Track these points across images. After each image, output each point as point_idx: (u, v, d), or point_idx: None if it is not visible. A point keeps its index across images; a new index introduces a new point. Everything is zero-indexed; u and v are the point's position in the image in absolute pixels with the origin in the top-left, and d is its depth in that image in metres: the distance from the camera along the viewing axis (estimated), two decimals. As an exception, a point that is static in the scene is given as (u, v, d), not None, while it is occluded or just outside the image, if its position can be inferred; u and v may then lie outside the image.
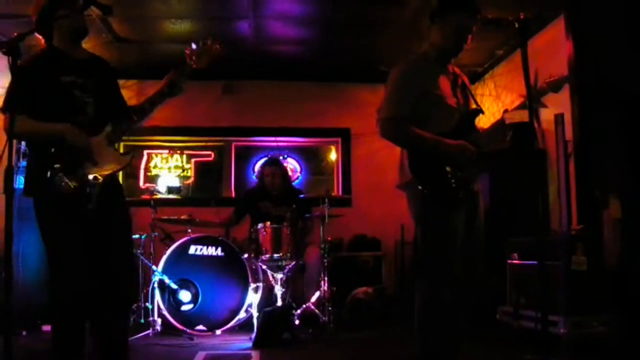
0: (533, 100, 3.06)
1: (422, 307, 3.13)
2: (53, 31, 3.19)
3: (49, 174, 3.01)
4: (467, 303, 3.24)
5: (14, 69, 2.62)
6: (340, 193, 7.64)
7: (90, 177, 3.09)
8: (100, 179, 3.13)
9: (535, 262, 4.51)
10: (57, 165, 3.01)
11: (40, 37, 3.24)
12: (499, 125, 3.35)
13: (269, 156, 7.00)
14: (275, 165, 6.22)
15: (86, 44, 6.36)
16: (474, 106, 3.31)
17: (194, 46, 3.35)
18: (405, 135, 3.11)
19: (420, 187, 3.08)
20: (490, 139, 3.29)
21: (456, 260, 3.11)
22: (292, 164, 7.84)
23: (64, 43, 3.21)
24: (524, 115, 2.94)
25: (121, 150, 3.35)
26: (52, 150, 3.03)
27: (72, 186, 3.01)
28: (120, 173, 4.45)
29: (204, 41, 3.36)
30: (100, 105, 3.22)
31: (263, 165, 6.43)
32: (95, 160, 3.11)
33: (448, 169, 3.08)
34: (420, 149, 3.10)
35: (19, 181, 5.24)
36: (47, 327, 5.33)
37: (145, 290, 5.30)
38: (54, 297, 3.14)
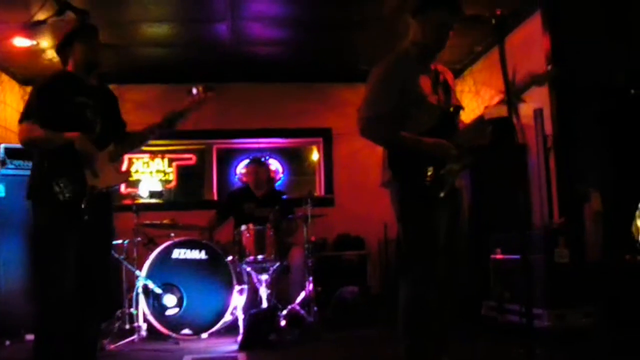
0: (514, 95, 3.07)
1: (405, 306, 3.15)
2: (69, 58, 3.47)
3: (52, 180, 3.19)
4: (450, 300, 3.26)
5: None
6: (322, 193, 7.66)
7: (89, 186, 3.28)
8: (97, 189, 3.32)
9: (518, 256, 4.54)
10: (60, 172, 3.21)
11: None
12: (478, 121, 3.36)
13: (252, 156, 6.99)
14: (260, 163, 6.25)
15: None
16: (456, 103, 3.31)
17: (194, 91, 3.68)
18: (384, 134, 3.12)
19: (399, 186, 3.10)
20: (470, 135, 3.30)
21: (438, 258, 3.13)
22: (274, 165, 7.83)
23: (77, 70, 3.46)
24: (503, 111, 2.96)
25: None
26: (57, 157, 3.23)
27: (71, 193, 3.19)
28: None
29: (201, 88, 3.71)
30: (106, 126, 3.48)
31: (248, 165, 6.40)
32: (96, 172, 3.31)
33: (428, 167, 3.07)
34: (400, 148, 3.10)
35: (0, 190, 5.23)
36: (30, 337, 5.26)
37: (129, 296, 5.26)
38: (41, 303, 3.25)
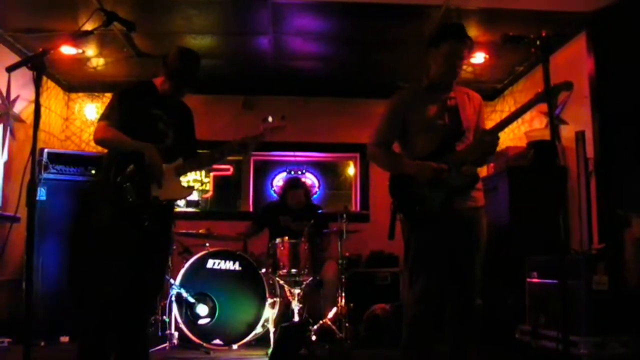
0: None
1: (404, 325, 3.35)
2: (160, 76, 3.59)
3: (118, 183, 3.30)
4: (468, 323, 3.25)
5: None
6: (358, 208, 7.63)
7: (152, 196, 3.38)
8: (159, 200, 3.41)
9: (555, 281, 4.46)
10: (126, 178, 3.31)
11: None
12: (479, 142, 3.31)
13: (291, 177, 6.98)
14: (298, 188, 6.28)
15: (108, 58, 6.44)
16: (465, 127, 3.36)
17: (269, 119, 3.87)
18: (379, 156, 3.46)
19: (394, 207, 3.37)
20: (468, 155, 3.30)
21: (434, 278, 3.23)
22: (310, 179, 7.84)
23: (163, 87, 3.57)
24: (545, 133, 2.93)
25: None
26: (125, 163, 3.33)
27: (134, 199, 3.29)
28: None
29: (277, 117, 3.93)
30: (177, 141, 3.58)
31: (286, 187, 6.43)
32: (161, 183, 3.39)
33: (414, 189, 3.27)
34: (391, 170, 3.42)
35: (41, 193, 5.32)
36: (65, 338, 5.36)
37: (162, 304, 5.31)
38: (94, 300, 3.41)
